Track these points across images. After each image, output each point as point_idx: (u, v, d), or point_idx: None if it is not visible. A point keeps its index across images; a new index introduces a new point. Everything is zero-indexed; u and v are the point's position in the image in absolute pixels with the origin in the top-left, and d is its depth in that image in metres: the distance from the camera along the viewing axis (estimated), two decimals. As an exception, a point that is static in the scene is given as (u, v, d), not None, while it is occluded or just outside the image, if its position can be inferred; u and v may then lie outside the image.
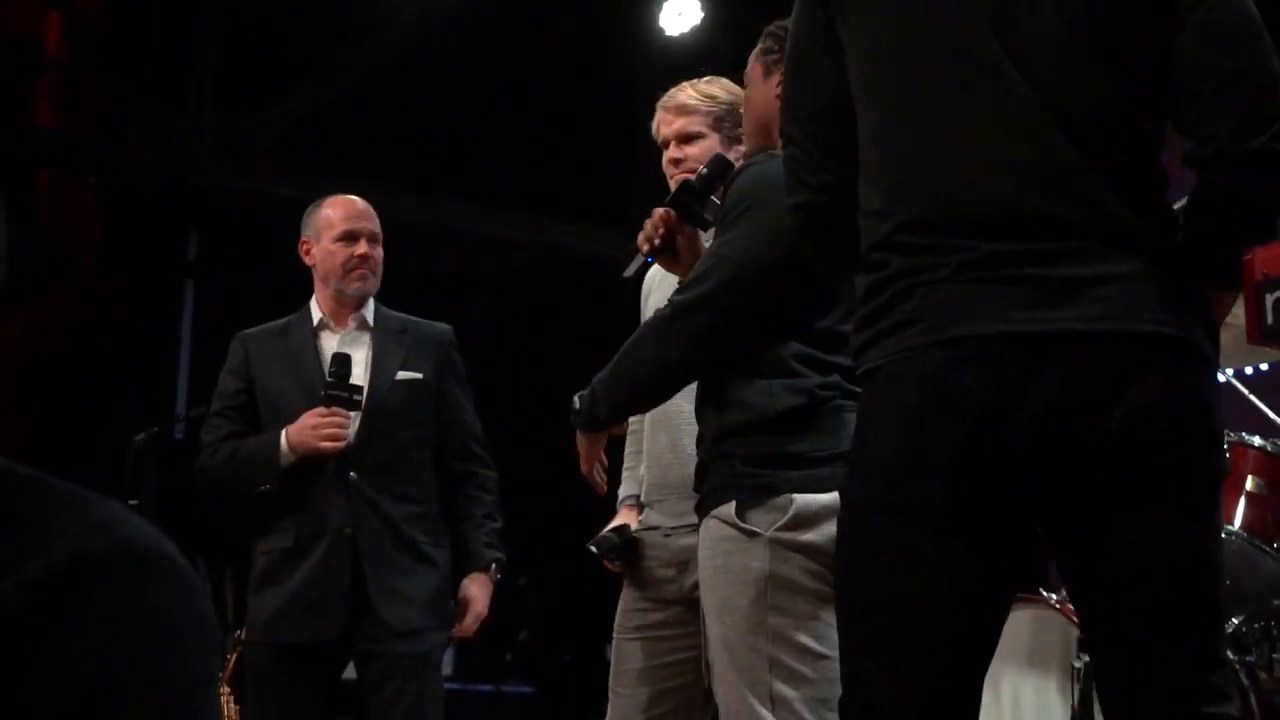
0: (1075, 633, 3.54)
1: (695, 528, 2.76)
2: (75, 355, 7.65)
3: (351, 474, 3.40)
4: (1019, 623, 3.90)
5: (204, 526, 7.47)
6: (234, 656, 5.24)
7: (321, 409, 3.36)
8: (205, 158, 7.20)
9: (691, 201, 2.60)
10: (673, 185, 2.92)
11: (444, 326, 3.69)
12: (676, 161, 3.00)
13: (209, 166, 7.25)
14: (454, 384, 3.64)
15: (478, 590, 3.56)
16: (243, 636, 5.29)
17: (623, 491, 3.18)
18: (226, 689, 5.07)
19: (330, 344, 3.52)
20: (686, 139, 2.99)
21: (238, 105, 7.40)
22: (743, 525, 2.37)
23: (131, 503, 5.00)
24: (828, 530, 2.31)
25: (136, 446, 5.06)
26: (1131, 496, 1.76)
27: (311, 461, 3.37)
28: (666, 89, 3.08)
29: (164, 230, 8.20)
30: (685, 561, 2.79)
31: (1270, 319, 1.55)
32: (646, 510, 2.96)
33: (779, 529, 2.35)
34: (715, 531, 2.43)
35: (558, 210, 7.82)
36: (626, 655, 2.89)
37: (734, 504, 2.39)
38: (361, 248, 3.53)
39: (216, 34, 7.33)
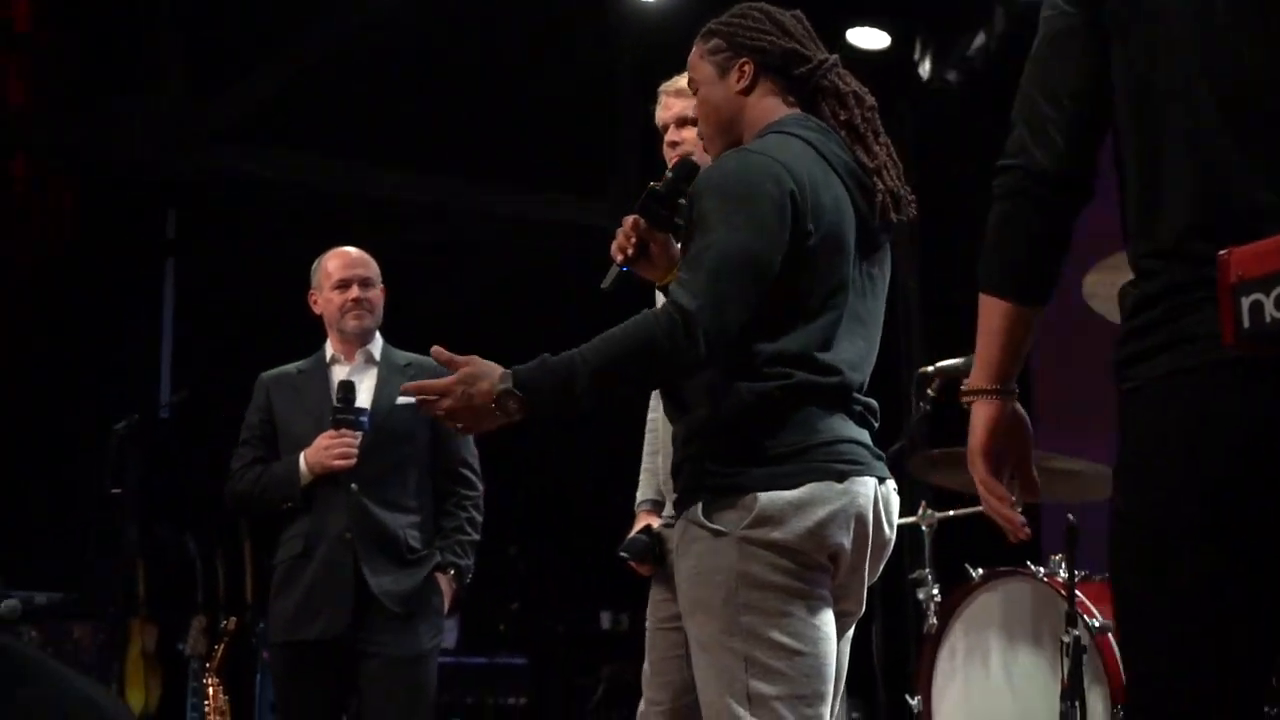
0: (1064, 606, 3.53)
1: None
2: (54, 342, 7.59)
3: (353, 485, 3.80)
4: (1010, 596, 3.90)
5: (193, 509, 7.46)
6: (221, 647, 5.25)
7: (331, 431, 3.81)
8: (177, 137, 7.14)
9: (659, 207, 2.55)
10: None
11: None
12: (674, 144, 3.03)
13: (182, 146, 7.18)
14: None
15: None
16: (231, 627, 5.35)
17: (640, 495, 3.22)
18: (215, 679, 5.08)
19: (340, 375, 3.99)
20: (684, 123, 3.01)
21: (209, 83, 7.32)
22: (710, 525, 2.35)
23: (115, 491, 5.00)
24: (795, 526, 2.32)
25: (118, 434, 5.04)
26: None
27: (324, 477, 3.81)
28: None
29: (141, 209, 8.12)
30: None
31: (1247, 322, 1.50)
32: (667, 502, 2.95)
33: (746, 527, 2.33)
34: (686, 533, 2.41)
35: (537, 181, 7.76)
36: (656, 644, 3.00)
37: (701, 504, 2.38)
38: (354, 292, 3.97)
39: (186, 11, 7.26)
